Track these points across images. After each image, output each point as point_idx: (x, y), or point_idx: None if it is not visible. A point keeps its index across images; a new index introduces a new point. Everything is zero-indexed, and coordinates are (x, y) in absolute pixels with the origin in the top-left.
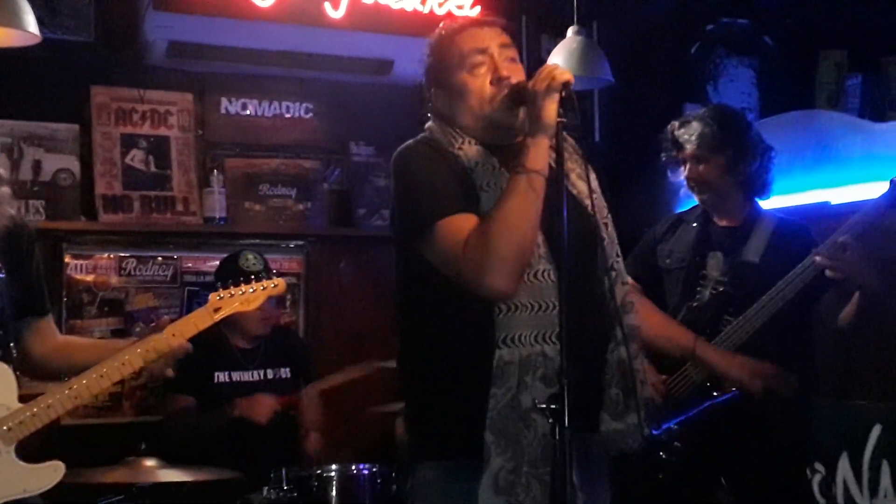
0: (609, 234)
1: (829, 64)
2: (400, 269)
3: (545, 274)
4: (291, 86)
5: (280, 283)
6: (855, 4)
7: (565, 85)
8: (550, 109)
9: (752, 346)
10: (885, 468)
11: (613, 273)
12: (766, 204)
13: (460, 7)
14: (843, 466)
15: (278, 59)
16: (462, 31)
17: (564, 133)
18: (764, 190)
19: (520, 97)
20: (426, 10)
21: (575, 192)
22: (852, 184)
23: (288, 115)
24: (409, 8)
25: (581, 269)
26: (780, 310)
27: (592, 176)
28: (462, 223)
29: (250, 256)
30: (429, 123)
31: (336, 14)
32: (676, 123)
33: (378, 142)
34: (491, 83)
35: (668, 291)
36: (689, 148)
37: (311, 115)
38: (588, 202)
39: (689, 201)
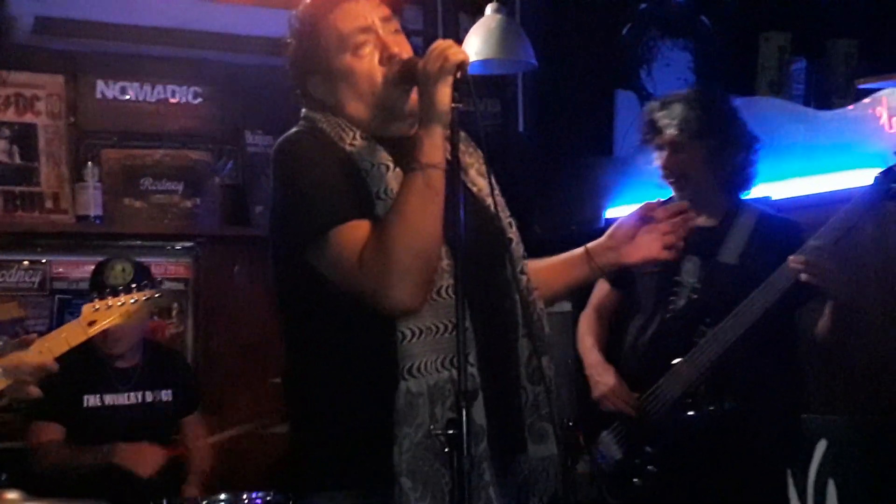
0: (514, 234)
1: (772, 47)
2: (283, 279)
3: (448, 290)
4: (177, 67)
5: (163, 291)
6: None
7: (460, 66)
8: (444, 94)
9: (731, 359)
10: (832, 487)
11: (524, 277)
12: None
13: None
14: (787, 485)
15: (162, 36)
16: (336, 8)
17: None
18: (746, 185)
19: (411, 75)
20: None
21: (475, 189)
22: (795, 176)
23: (173, 100)
24: None
25: (487, 276)
26: (758, 320)
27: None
28: (358, 231)
29: (118, 267)
30: (306, 110)
31: None
32: (657, 104)
33: (276, 130)
34: (380, 62)
35: (642, 297)
36: (668, 133)
37: (199, 99)
38: (490, 200)
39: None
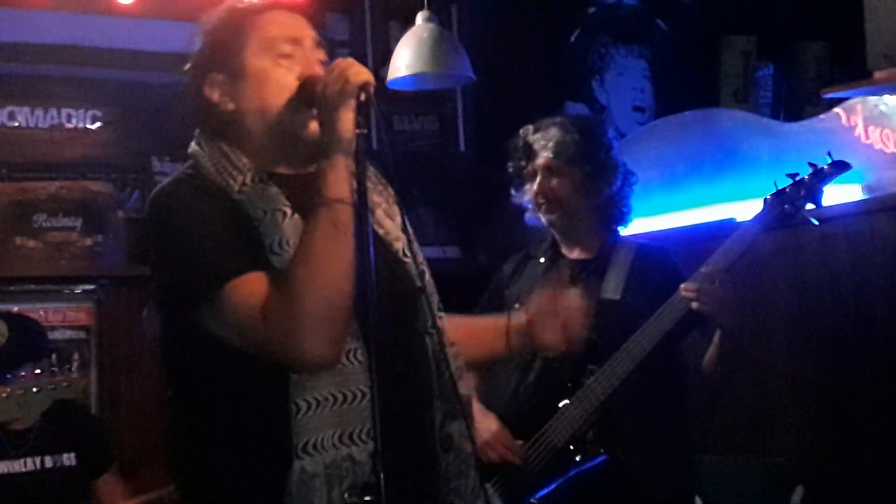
0: (428, 283)
1: (735, 52)
2: (168, 341)
3: (352, 355)
4: (74, 89)
5: (73, 381)
6: None
7: (363, 87)
8: (346, 119)
9: (621, 399)
10: None
11: (437, 332)
12: (654, 223)
13: None
14: None
15: (55, 55)
16: (266, 12)
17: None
18: (621, 219)
19: (311, 96)
20: None
21: (382, 232)
22: (760, 196)
23: (70, 126)
24: None
25: (394, 333)
26: (649, 353)
27: (400, 212)
28: (256, 284)
29: None
30: (193, 146)
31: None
32: (531, 128)
33: (187, 155)
34: (298, 80)
35: None
36: (543, 157)
37: (99, 124)
38: (399, 245)
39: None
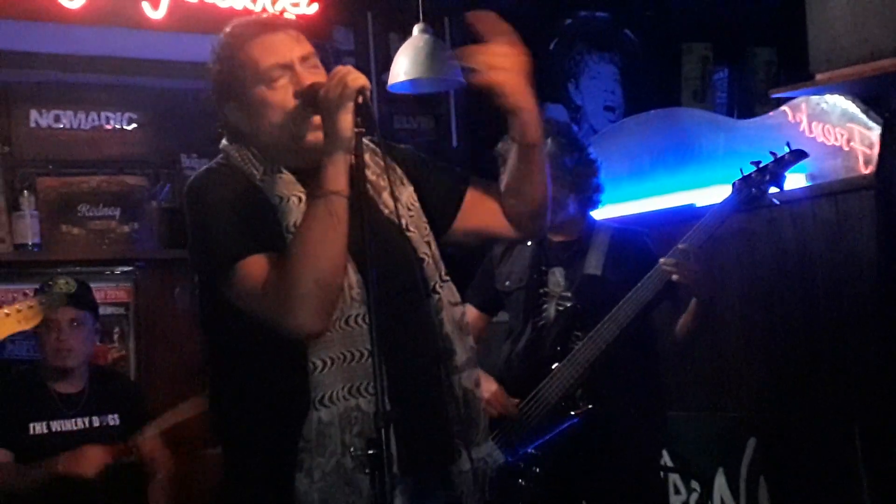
0: (432, 252)
1: (694, 57)
2: (203, 308)
3: (358, 319)
4: (111, 94)
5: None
6: None
7: (360, 91)
8: (345, 120)
9: (603, 362)
10: (763, 484)
11: (437, 296)
12: (623, 209)
13: (296, 5)
14: (720, 483)
15: (94, 64)
16: (255, 39)
17: (368, 142)
18: (597, 203)
19: (314, 101)
20: (258, 9)
21: (387, 211)
22: (717, 184)
23: (108, 127)
24: (238, 6)
25: (398, 299)
26: (632, 320)
27: (409, 190)
28: (259, 263)
29: (60, 282)
30: (223, 143)
31: (156, 14)
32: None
33: (213, 152)
34: (294, 96)
35: (510, 314)
36: None
37: (134, 125)
38: (404, 222)
39: None
